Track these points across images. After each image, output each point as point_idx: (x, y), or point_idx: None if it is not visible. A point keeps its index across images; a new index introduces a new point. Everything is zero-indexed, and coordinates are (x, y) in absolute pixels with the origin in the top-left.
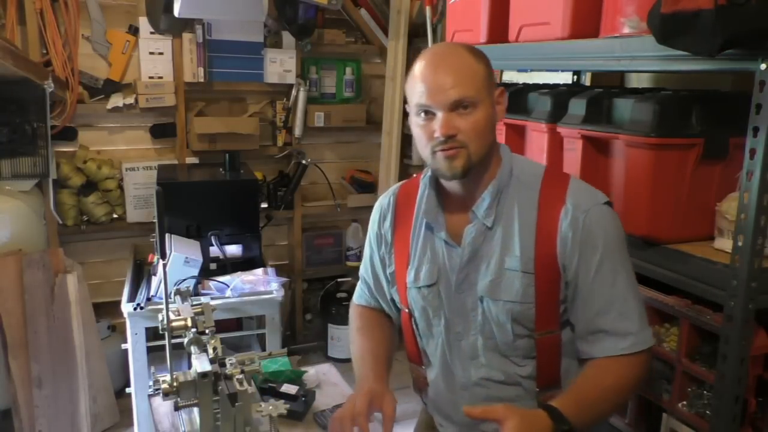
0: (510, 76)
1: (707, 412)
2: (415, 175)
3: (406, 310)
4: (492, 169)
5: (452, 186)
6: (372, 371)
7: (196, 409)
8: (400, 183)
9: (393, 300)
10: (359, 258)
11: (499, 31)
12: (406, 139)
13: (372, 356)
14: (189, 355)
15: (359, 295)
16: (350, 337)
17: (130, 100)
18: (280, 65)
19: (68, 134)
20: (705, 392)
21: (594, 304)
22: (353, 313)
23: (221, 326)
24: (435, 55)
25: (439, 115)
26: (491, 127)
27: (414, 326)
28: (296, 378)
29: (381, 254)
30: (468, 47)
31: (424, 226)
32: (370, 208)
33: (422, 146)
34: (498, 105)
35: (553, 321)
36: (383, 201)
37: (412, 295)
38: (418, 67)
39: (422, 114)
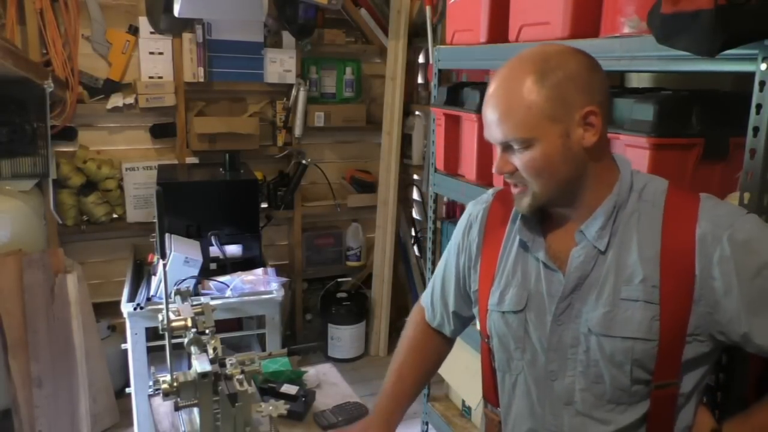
0: None
1: None
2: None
3: (486, 341)
4: (599, 187)
5: None
6: (384, 413)
7: (196, 409)
8: (496, 189)
9: (455, 312)
10: (359, 258)
11: (499, 31)
12: (406, 139)
13: (393, 396)
14: (189, 355)
15: (426, 295)
16: (400, 338)
17: (130, 100)
18: (280, 65)
19: (68, 134)
20: (703, 397)
21: (758, 303)
22: (413, 317)
23: (221, 326)
24: (493, 82)
25: (497, 150)
26: (559, 161)
27: (491, 359)
28: (296, 378)
29: (459, 264)
30: (536, 66)
31: (517, 244)
32: (370, 208)
33: None
34: (585, 127)
35: (674, 368)
36: (474, 209)
37: (493, 320)
38: (487, 90)
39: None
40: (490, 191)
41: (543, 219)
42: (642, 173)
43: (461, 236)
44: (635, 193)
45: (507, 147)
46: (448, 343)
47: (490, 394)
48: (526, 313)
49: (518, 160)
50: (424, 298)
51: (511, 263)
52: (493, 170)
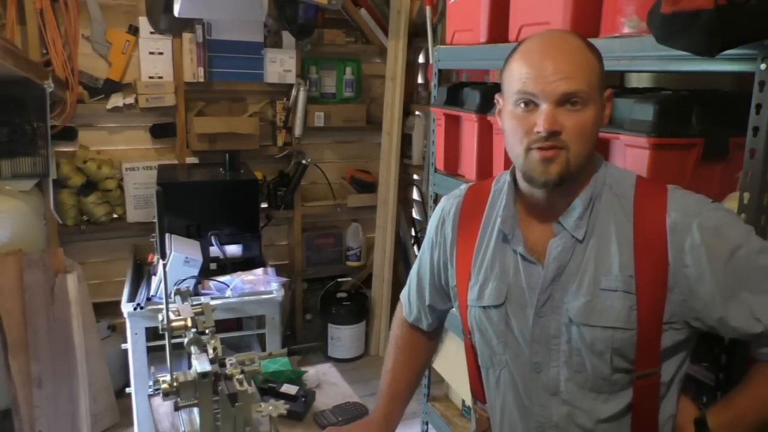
0: None
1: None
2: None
3: (468, 336)
4: (586, 175)
5: (535, 194)
6: (383, 413)
7: (196, 409)
8: (469, 185)
9: (431, 306)
10: (359, 258)
11: (499, 31)
12: (406, 139)
13: (390, 397)
14: (189, 355)
15: (405, 290)
16: (390, 336)
17: (130, 100)
18: (280, 65)
19: (68, 134)
20: (704, 397)
21: (731, 286)
22: (397, 313)
23: (221, 326)
24: (547, 39)
25: (544, 107)
26: (596, 132)
27: (476, 355)
28: (296, 378)
29: (433, 258)
30: (580, 38)
31: (495, 237)
32: (370, 208)
33: (515, 142)
34: (605, 109)
35: (654, 356)
36: (446, 204)
37: (474, 316)
38: (524, 50)
39: (522, 104)
40: (463, 186)
41: (518, 213)
42: (612, 167)
43: (434, 231)
44: (607, 186)
45: (563, 102)
46: (430, 338)
47: (477, 390)
48: (506, 307)
49: (570, 119)
50: (403, 294)
51: (490, 257)
52: (539, 128)
